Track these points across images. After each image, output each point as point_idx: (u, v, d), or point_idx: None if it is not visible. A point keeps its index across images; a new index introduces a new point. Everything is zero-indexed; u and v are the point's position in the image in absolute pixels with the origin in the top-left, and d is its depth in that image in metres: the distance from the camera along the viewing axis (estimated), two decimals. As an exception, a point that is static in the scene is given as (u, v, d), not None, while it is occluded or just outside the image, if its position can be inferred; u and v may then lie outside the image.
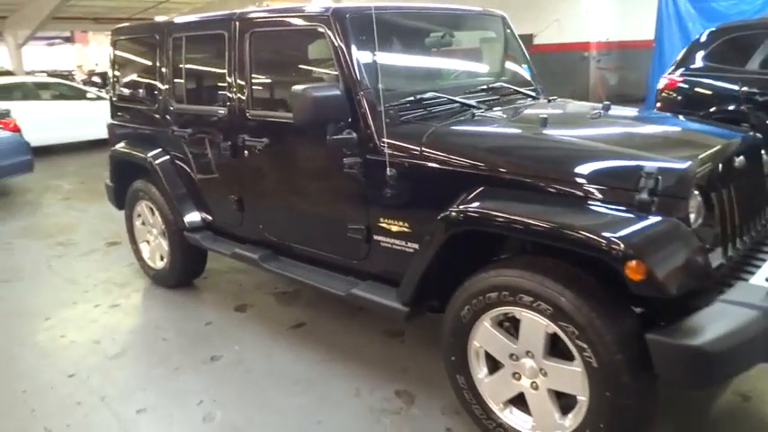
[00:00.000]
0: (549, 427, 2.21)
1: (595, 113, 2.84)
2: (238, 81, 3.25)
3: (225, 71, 3.32)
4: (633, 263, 1.82)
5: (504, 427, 2.33)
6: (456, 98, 2.90)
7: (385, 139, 2.61)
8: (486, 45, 3.63)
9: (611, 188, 2.08)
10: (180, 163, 3.84)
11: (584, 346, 1.99)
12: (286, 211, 3.24)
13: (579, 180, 2.16)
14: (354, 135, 2.69)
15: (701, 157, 2.20)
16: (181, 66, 3.72)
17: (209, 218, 3.80)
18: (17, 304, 4.13)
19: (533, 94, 3.34)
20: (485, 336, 2.30)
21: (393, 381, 2.90)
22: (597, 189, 2.11)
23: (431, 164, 2.52)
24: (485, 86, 3.18)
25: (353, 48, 2.71)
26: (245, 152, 3.27)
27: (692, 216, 2.05)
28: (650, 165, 2.04)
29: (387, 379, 2.92)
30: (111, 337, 3.57)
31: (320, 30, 2.80)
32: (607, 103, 3.01)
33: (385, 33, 2.91)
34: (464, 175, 2.43)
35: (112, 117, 4.48)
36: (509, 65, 3.63)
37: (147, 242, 4.29)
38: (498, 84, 3.26)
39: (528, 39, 17.12)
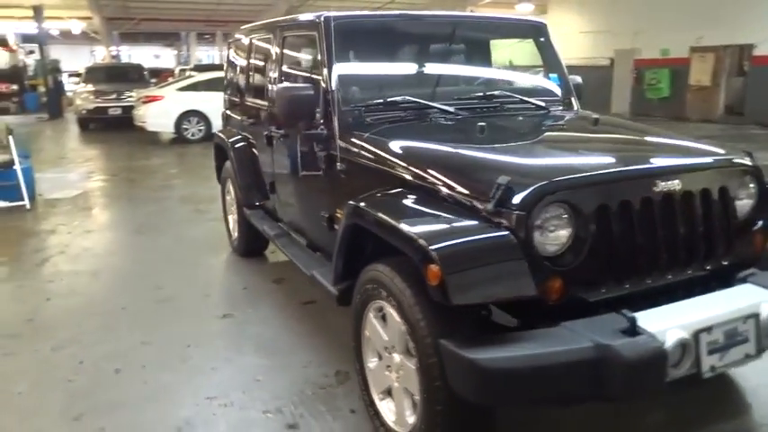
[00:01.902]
0: (402, 423, 2.28)
1: (561, 125, 2.72)
2: (272, 76, 3.72)
3: (270, 68, 3.82)
4: (432, 267, 1.84)
5: (378, 416, 2.43)
6: (433, 104, 2.98)
7: (338, 136, 2.84)
8: (499, 53, 3.57)
9: (475, 197, 2.08)
10: (250, 149, 4.44)
11: (414, 345, 2.04)
12: (289, 197, 3.63)
13: (457, 188, 2.18)
14: (325, 131, 2.96)
15: (574, 176, 2.05)
16: (250, 62, 4.33)
17: (263, 199, 4.34)
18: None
19: (542, 104, 3.21)
20: (370, 326, 2.42)
21: (343, 361, 3.10)
22: (467, 198, 2.12)
23: (366, 162, 2.69)
24: (480, 94, 3.17)
25: (332, 52, 2.98)
26: (273, 141, 3.72)
27: (537, 235, 1.94)
28: (504, 178, 1.99)
29: (339, 359, 3.13)
30: (172, 284, 4.32)
31: (313, 34, 3.12)
32: (596, 117, 2.84)
33: (378, 40, 3.13)
34: (387, 174, 2.56)
35: (225, 109, 5.29)
36: (526, 75, 3.53)
37: (233, 215, 5.01)
38: (499, 92, 3.21)
39: (747, 49, 15.02)
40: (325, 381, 2.96)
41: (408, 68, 3.35)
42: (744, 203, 2.38)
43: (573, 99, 3.48)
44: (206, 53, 43.33)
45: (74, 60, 30.55)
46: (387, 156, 2.56)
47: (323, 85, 2.96)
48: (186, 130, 12.27)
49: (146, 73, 17.06)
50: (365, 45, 3.17)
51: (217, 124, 7.58)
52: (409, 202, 2.27)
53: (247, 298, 4.07)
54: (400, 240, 2.04)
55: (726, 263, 2.30)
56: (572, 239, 2.00)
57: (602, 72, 18.51)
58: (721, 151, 2.45)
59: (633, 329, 1.83)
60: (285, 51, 3.62)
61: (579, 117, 3.21)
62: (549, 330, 1.89)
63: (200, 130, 12.28)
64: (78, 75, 18.39)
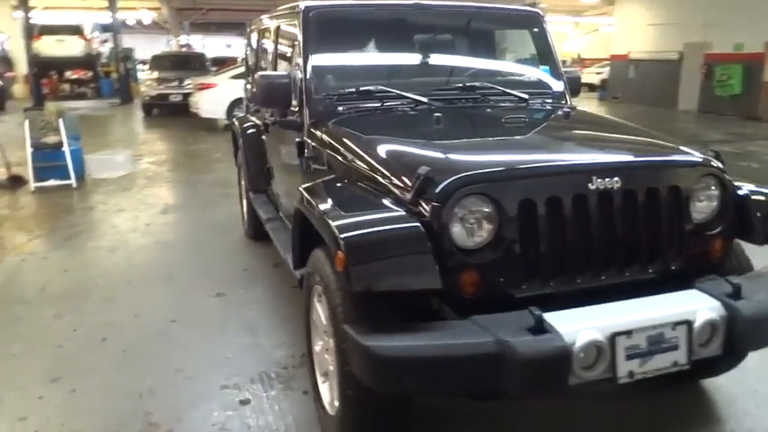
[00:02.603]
0: (332, 405, 2.32)
1: (526, 119, 2.66)
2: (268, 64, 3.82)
3: (268, 56, 3.92)
4: (339, 254, 1.87)
5: (319, 397, 2.49)
6: (406, 94, 2.97)
7: (307, 124, 2.90)
8: (484, 43, 3.50)
9: (401, 188, 2.08)
10: (258, 136, 4.57)
11: (332, 329, 2.08)
12: (278, 183, 3.72)
13: (387, 179, 2.19)
14: (299, 119, 3.03)
15: (495, 169, 2.02)
16: (258, 51, 4.45)
17: (266, 185, 4.46)
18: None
19: (525, 96, 3.13)
20: (315, 310, 2.48)
21: (312, 345, 3.17)
22: (395, 188, 2.13)
23: (325, 150, 2.74)
24: (460, 85, 3.13)
25: (309, 41, 3.03)
26: (268, 129, 3.83)
27: (455, 227, 1.92)
28: (425, 168, 1.98)
29: (309, 343, 3.21)
30: (179, 262, 4.53)
31: (295, 23, 3.18)
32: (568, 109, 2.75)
33: (360, 30, 3.16)
34: (338, 163, 2.60)
35: (246, 96, 5.44)
36: (518, 66, 3.45)
37: (245, 200, 5.17)
38: (480, 83, 3.15)
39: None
40: (289, 362, 3.04)
41: (389, 58, 3.35)
42: (703, 206, 2.26)
43: (566, 92, 3.38)
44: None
45: (151, 49, 32.06)
46: (338, 145, 2.60)
47: (299, 73, 3.02)
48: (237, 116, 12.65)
49: (208, 62, 17.67)
50: (346, 34, 3.20)
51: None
52: (343, 190, 2.31)
53: (245, 279, 4.21)
54: (321, 227, 2.08)
55: (675, 267, 2.20)
56: (494, 234, 1.97)
57: (670, 67, 17.67)
58: (685, 151, 2.34)
59: (539, 327, 1.79)
60: (279, 40, 3.71)
61: (554, 111, 3.11)
62: (458, 323, 1.89)
63: (250, 118, 12.60)
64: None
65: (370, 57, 3.31)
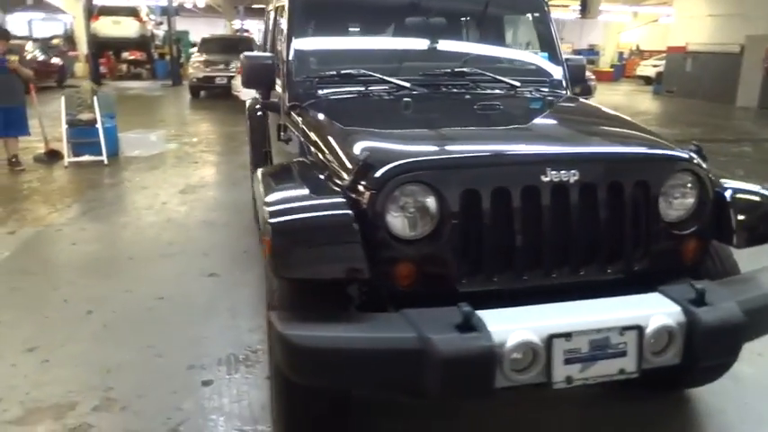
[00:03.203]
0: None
1: (503, 107, 2.53)
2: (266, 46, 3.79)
3: (268, 38, 3.89)
4: (265, 239, 1.82)
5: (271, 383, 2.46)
6: (389, 78, 2.85)
7: (286, 106, 2.85)
8: (481, 27, 3.34)
9: (345, 174, 2.01)
10: (265, 118, 4.56)
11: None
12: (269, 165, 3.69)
13: (335, 164, 2.13)
14: (280, 101, 2.99)
15: (435, 157, 1.92)
16: (266, 33, 4.43)
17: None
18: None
19: (516, 84, 2.97)
20: (271, 295, 2.44)
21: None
22: (341, 174, 2.05)
23: (295, 133, 2.69)
24: (448, 70, 3.01)
25: (293, 22, 2.97)
26: (265, 111, 3.81)
27: (391, 215, 1.83)
28: (365, 154, 1.90)
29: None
30: (183, 241, 4.60)
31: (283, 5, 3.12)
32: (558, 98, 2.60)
33: (350, 12, 3.08)
34: (302, 146, 2.54)
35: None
36: (512, 52, 3.29)
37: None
38: (469, 69, 3.02)
39: None
40: (260, 347, 3.02)
41: (378, 42, 3.25)
42: (677, 204, 2.09)
43: (564, 80, 3.20)
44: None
45: (208, 33, 32.78)
46: (305, 129, 2.54)
47: (283, 54, 2.97)
48: (276, 100, 12.74)
49: (255, 46, 17.88)
50: (336, 17, 3.12)
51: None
52: (296, 175, 2.24)
53: (242, 261, 4.22)
54: (259, 212, 2.03)
55: (639, 268, 2.05)
56: (434, 225, 1.88)
57: (730, 60, 16.75)
58: (659, 144, 2.17)
59: (467, 325, 1.69)
60: (278, 21, 3.66)
61: (541, 99, 2.94)
62: (387, 316, 1.81)
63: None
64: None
65: (358, 40, 3.23)
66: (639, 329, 1.80)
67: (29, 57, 16.40)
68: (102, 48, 19.97)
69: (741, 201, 2.16)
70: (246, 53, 3.03)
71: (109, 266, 4.10)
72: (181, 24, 24.24)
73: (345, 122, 2.44)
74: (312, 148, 2.37)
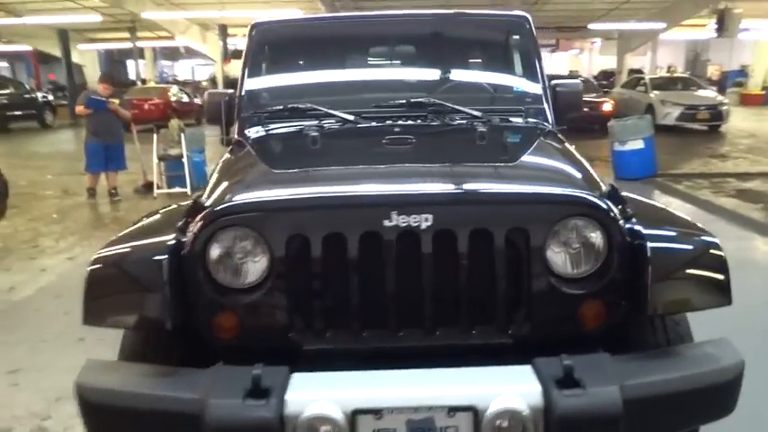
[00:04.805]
0: None
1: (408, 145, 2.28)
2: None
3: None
4: None
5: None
6: (334, 112, 2.70)
7: (233, 141, 2.82)
8: (454, 54, 3.04)
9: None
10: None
11: None
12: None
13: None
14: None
15: (256, 200, 1.75)
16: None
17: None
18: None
19: (477, 114, 2.65)
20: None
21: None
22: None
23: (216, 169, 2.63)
24: (404, 101, 2.78)
25: (249, 57, 2.95)
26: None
27: (215, 262, 1.67)
28: (205, 198, 1.81)
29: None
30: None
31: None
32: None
33: (311, 45, 3.02)
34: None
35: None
36: (486, 78, 2.97)
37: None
38: (427, 99, 2.76)
39: None
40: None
41: (335, 75, 3.08)
42: (573, 258, 1.71)
43: (548, 110, 2.84)
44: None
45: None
46: (219, 164, 2.47)
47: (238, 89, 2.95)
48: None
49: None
50: (296, 51, 3.05)
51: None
52: (167, 214, 2.16)
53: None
54: None
55: (515, 333, 1.70)
56: (262, 273, 1.70)
57: None
58: (554, 185, 1.83)
59: (257, 390, 1.50)
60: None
61: (485, 133, 2.55)
62: (195, 372, 1.64)
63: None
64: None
65: (314, 74, 3.09)
66: (475, 412, 1.48)
67: (173, 99, 18.46)
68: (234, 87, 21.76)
69: (666, 256, 1.72)
70: (210, 90, 3.06)
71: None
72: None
73: (253, 159, 2.34)
74: (210, 186, 2.29)
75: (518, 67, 2.96)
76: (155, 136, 8.18)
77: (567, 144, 2.55)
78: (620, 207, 1.80)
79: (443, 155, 2.26)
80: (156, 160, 8.07)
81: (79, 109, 7.67)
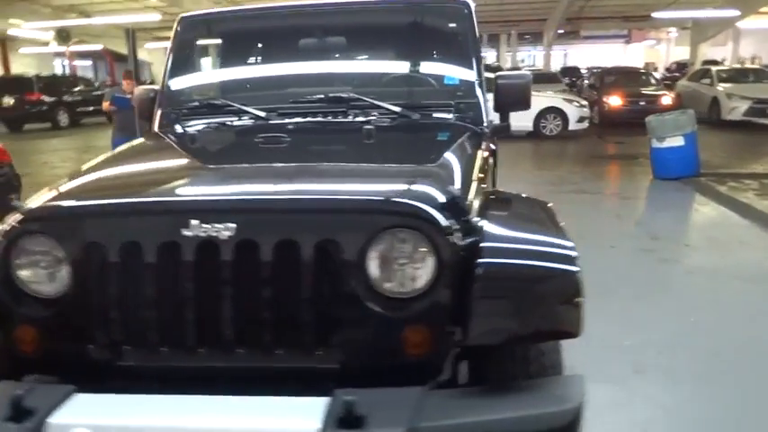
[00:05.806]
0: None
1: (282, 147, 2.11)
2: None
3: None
4: None
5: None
6: (248, 108, 2.55)
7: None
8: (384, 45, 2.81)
9: None
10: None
11: None
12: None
13: None
14: None
15: (60, 203, 1.61)
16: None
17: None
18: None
19: (396, 109, 2.44)
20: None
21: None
22: None
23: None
24: (322, 96, 2.60)
25: (172, 52, 2.85)
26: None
27: (16, 270, 1.57)
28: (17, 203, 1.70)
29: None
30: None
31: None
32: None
33: (238, 37, 2.90)
34: None
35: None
36: (415, 71, 2.73)
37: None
38: (347, 94, 2.57)
39: None
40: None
41: (258, 70, 2.94)
42: (397, 275, 1.49)
43: (482, 105, 2.59)
44: (527, 53, 43.69)
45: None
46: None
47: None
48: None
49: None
50: (220, 44, 2.93)
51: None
52: None
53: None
54: None
55: (323, 357, 1.51)
56: (67, 283, 1.59)
57: None
58: (377, 193, 1.61)
59: (17, 410, 1.38)
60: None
61: (386, 129, 2.34)
62: (18, 384, 1.53)
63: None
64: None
65: (238, 69, 2.96)
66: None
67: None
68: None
69: (502, 277, 1.48)
70: (142, 86, 2.99)
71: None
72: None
73: (115, 158, 2.24)
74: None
75: (453, 59, 2.72)
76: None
77: (486, 145, 2.32)
78: (463, 218, 1.56)
79: (304, 157, 2.08)
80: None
81: (105, 105, 7.92)
